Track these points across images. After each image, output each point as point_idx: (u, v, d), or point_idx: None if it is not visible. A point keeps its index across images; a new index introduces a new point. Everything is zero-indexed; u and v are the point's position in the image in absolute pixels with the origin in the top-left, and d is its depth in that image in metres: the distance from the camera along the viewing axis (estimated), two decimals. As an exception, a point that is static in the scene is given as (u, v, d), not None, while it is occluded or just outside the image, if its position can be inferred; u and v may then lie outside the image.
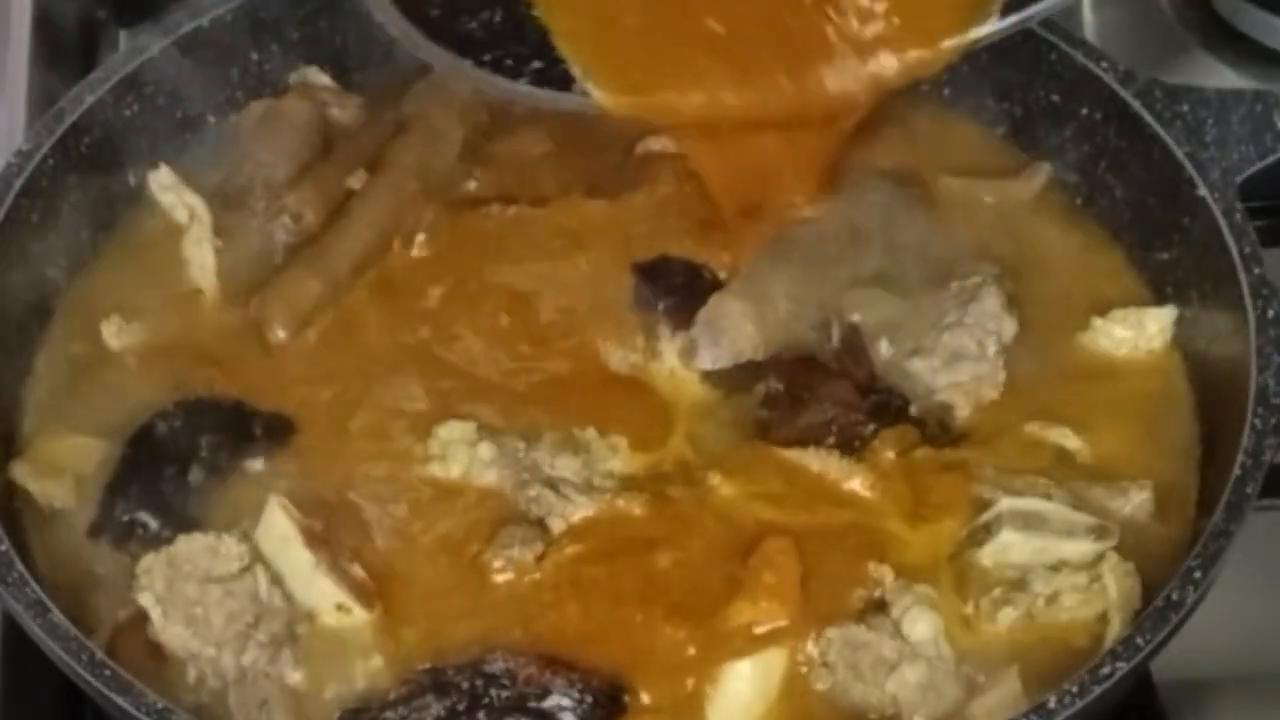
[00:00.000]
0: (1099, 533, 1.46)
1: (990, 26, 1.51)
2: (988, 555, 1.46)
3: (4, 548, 1.40)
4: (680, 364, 1.59)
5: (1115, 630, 1.41)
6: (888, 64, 1.49)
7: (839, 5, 1.49)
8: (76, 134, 1.66)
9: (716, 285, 1.62)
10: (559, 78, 1.52)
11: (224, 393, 1.57)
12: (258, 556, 1.44)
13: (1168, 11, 2.04)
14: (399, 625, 1.44)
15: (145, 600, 1.41)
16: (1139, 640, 1.32)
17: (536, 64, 1.52)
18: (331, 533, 1.47)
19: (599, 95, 1.52)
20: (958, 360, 1.57)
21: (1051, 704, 1.29)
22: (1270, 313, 1.50)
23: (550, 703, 1.39)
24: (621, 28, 1.52)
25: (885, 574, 1.45)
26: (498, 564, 1.46)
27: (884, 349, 1.59)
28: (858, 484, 1.51)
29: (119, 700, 1.31)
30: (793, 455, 1.53)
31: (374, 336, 1.62)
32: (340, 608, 1.44)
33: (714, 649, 1.41)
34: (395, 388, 1.58)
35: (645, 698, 1.40)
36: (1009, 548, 1.46)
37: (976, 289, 1.61)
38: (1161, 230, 1.64)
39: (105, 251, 1.69)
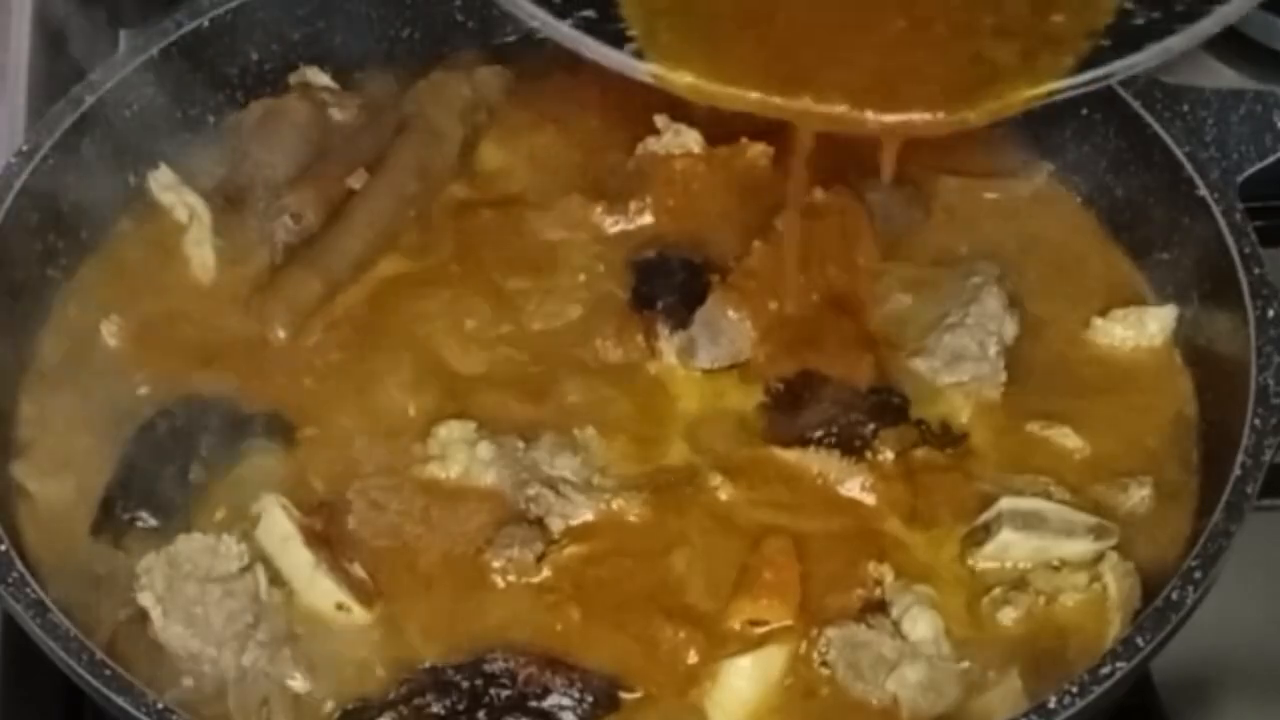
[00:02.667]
0: (1099, 532, 1.46)
1: (1065, 81, 1.41)
2: (988, 555, 1.46)
3: (4, 548, 1.40)
4: (679, 363, 1.59)
5: (1115, 630, 1.41)
6: (955, 118, 1.42)
7: (927, 49, 1.44)
8: (76, 134, 1.66)
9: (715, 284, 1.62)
10: (610, 34, 1.45)
11: (224, 392, 1.57)
12: (258, 556, 1.44)
13: (1168, 11, 2.04)
14: (399, 625, 1.44)
15: (145, 600, 1.41)
16: (1139, 640, 1.32)
17: (588, 12, 1.45)
18: (331, 532, 1.47)
19: (653, 65, 1.44)
20: (959, 360, 1.57)
21: (1051, 704, 1.29)
22: (1270, 313, 1.50)
23: (550, 702, 1.39)
24: (704, 12, 1.46)
25: (885, 573, 1.45)
26: (497, 564, 1.46)
27: (885, 349, 1.60)
28: (858, 484, 1.51)
29: (119, 700, 1.31)
30: (793, 455, 1.53)
31: (374, 336, 1.62)
32: (340, 607, 1.44)
33: (714, 648, 1.41)
34: (395, 387, 1.58)
35: (645, 697, 1.40)
36: (1009, 547, 1.46)
37: (977, 289, 1.61)
38: (1161, 230, 1.64)
39: (105, 251, 1.69)
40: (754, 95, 1.43)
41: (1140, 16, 1.42)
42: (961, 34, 1.43)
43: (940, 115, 1.41)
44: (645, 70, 1.45)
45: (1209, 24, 1.40)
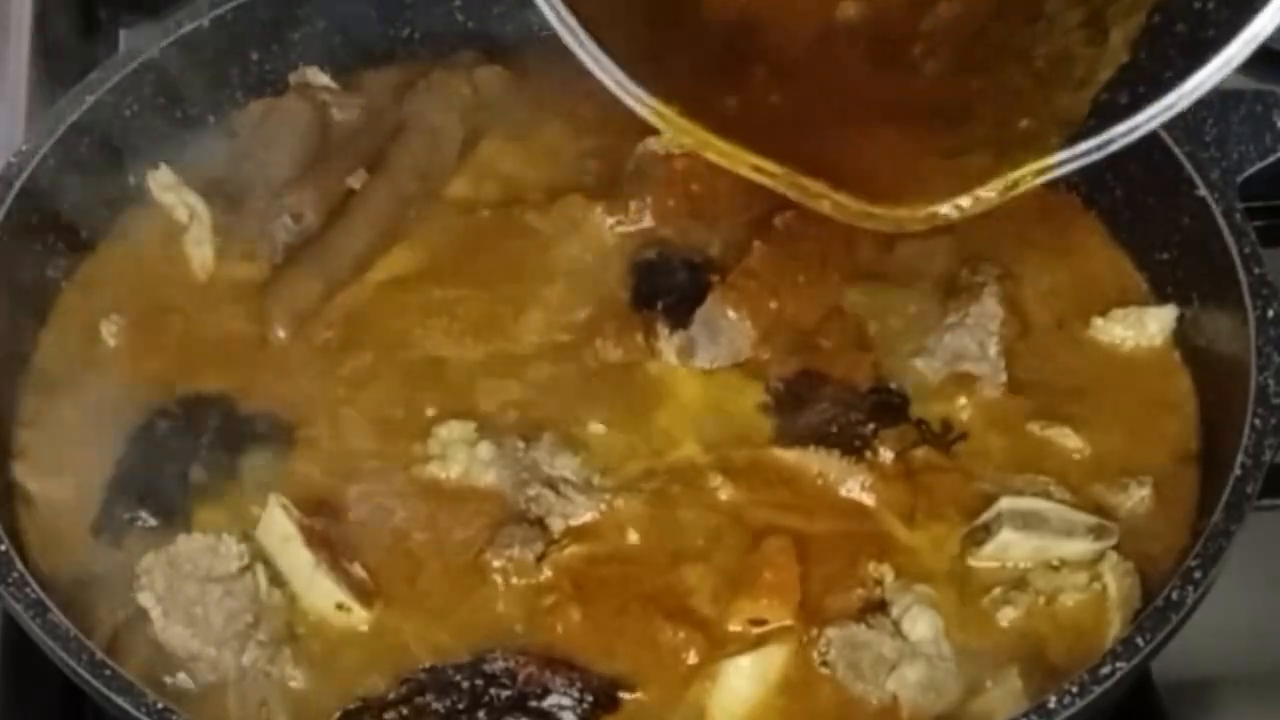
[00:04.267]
0: (1099, 532, 1.46)
1: (1054, 157, 1.42)
2: (988, 554, 1.46)
3: (4, 548, 1.40)
4: (679, 363, 1.59)
5: (1115, 630, 1.41)
6: (939, 212, 1.44)
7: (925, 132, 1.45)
8: (76, 134, 1.66)
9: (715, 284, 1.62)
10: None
11: (224, 392, 1.57)
12: (258, 556, 1.44)
13: (1168, 11, 2.03)
14: (399, 625, 1.44)
15: (145, 600, 1.41)
16: (1139, 640, 1.32)
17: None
18: (331, 532, 1.47)
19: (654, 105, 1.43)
20: (959, 360, 1.57)
21: (1051, 704, 1.29)
22: (1270, 313, 1.50)
23: (550, 702, 1.39)
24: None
25: (885, 573, 1.45)
26: (498, 564, 1.46)
27: (885, 349, 1.60)
28: (858, 484, 1.51)
29: (119, 700, 1.31)
30: (793, 455, 1.53)
31: (374, 336, 1.62)
32: (340, 607, 1.44)
33: (714, 648, 1.41)
34: (395, 387, 1.58)
35: (645, 696, 1.40)
36: (1009, 547, 1.46)
37: (977, 289, 1.61)
38: (1161, 230, 1.64)
39: (105, 251, 1.69)
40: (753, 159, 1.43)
41: (1124, 96, 1.41)
42: (921, 154, 1.45)
43: (930, 209, 1.44)
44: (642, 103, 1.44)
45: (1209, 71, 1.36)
